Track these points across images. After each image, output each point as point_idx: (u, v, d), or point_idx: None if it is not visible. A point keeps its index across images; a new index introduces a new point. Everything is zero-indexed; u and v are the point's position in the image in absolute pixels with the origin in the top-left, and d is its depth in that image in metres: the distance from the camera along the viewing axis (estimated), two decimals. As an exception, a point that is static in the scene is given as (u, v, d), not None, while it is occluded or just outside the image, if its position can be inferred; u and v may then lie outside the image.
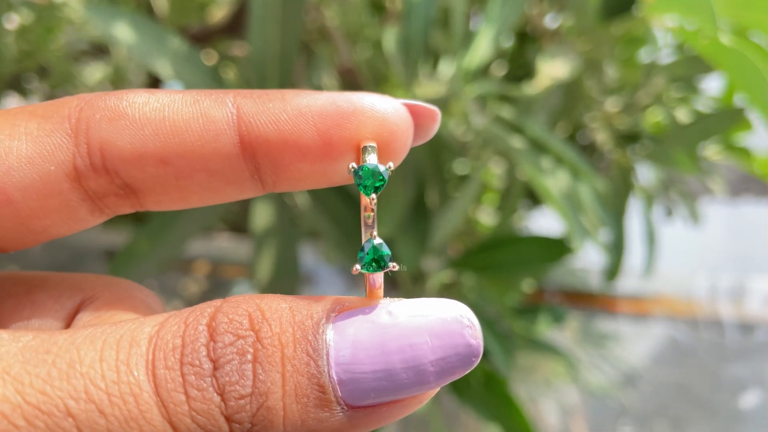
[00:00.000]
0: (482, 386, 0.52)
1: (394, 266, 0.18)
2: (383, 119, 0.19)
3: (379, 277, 0.18)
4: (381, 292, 0.18)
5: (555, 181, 0.43)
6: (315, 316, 0.16)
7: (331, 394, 0.15)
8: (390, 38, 0.48)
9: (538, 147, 0.46)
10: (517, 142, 0.45)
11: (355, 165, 0.18)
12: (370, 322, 0.16)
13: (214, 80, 0.45)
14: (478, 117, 0.40)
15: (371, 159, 0.18)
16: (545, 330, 0.65)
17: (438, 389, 0.17)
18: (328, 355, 0.16)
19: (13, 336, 0.15)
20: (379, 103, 0.19)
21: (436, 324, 0.16)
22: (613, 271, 0.62)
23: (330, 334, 0.16)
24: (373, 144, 0.19)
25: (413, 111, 0.20)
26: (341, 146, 0.19)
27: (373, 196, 0.18)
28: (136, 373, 0.15)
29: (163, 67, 0.42)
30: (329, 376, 0.15)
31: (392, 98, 0.19)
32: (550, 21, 0.76)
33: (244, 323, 0.16)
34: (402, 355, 0.16)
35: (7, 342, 0.15)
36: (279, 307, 0.16)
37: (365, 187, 0.18)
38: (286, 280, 0.51)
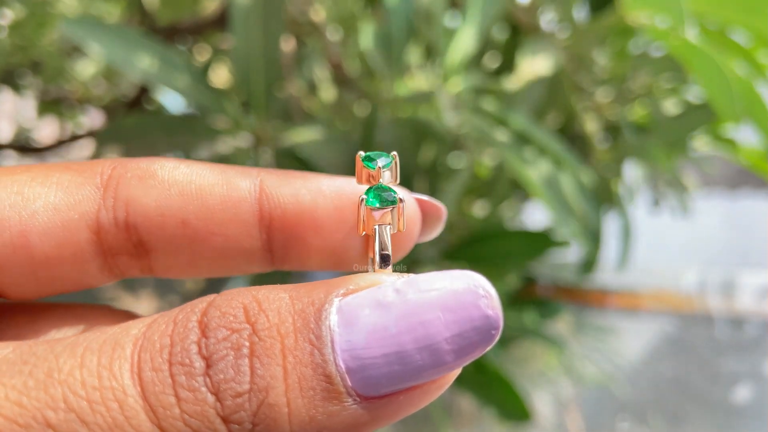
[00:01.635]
0: (474, 372, 0.52)
1: (402, 199, 0.17)
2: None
3: (386, 241, 0.17)
4: (389, 266, 0.17)
5: (537, 171, 0.44)
6: (317, 303, 0.15)
7: (340, 384, 0.14)
8: (367, 36, 0.48)
9: (522, 139, 0.46)
10: (500, 135, 0.45)
11: (362, 152, 0.19)
12: (376, 303, 0.15)
13: (201, 83, 0.45)
14: (451, 114, 0.40)
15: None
16: (536, 323, 0.65)
17: (459, 370, 0.16)
18: (332, 341, 0.14)
19: None
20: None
21: (447, 297, 0.15)
22: (589, 264, 0.62)
23: (334, 319, 0.15)
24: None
25: (422, 205, 0.20)
26: (354, 225, 0.19)
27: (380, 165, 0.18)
28: (119, 377, 0.14)
29: (142, 77, 0.42)
30: (336, 364, 0.14)
31: (406, 190, 0.20)
32: (527, 15, 0.76)
33: (238, 316, 0.15)
34: (413, 334, 0.15)
35: None
36: (277, 297, 0.15)
37: (371, 163, 0.18)
38: (278, 271, 0.51)
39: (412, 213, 0.20)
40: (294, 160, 0.49)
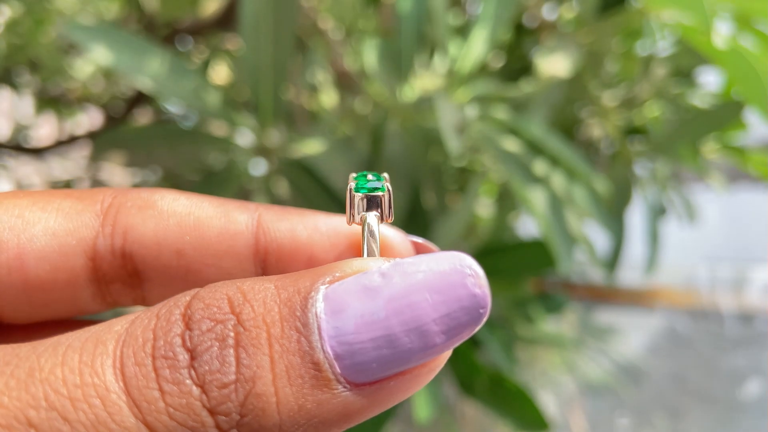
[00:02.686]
0: (489, 385, 0.52)
1: (389, 188, 0.17)
2: (391, 245, 0.20)
3: (374, 231, 0.17)
4: (376, 251, 0.17)
5: (544, 189, 0.43)
6: (303, 291, 0.15)
7: (329, 371, 0.14)
8: (371, 54, 0.47)
9: (534, 149, 0.45)
10: (511, 145, 0.44)
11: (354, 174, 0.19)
12: (362, 288, 0.15)
13: (204, 90, 0.44)
14: (455, 141, 0.39)
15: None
16: (543, 319, 0.65)
17: (449, 353, 0.16)
18: (319, 328, 0.14)
19: None
20: (390, 232, 0.20)
21: (434, 278, 0.15)
22: (611, 265, 0.62)
23: (320, 306, 0.15)
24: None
25: (417, 247, 0.20)
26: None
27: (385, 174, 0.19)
28: (101, 373, 0.14)
29: (147, 84, 0.41)
30: (323, 350, 0.14)
31: (401, 233, 0.20)
32: (549, 12, 0.75)
33: (223, 307, 0.14)
34: (401, 316, 0.15)
35: None
36: (263, 287, 0.15)
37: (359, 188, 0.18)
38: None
39: (405, 251, 0.20)
40: (300, 170, 0.48)
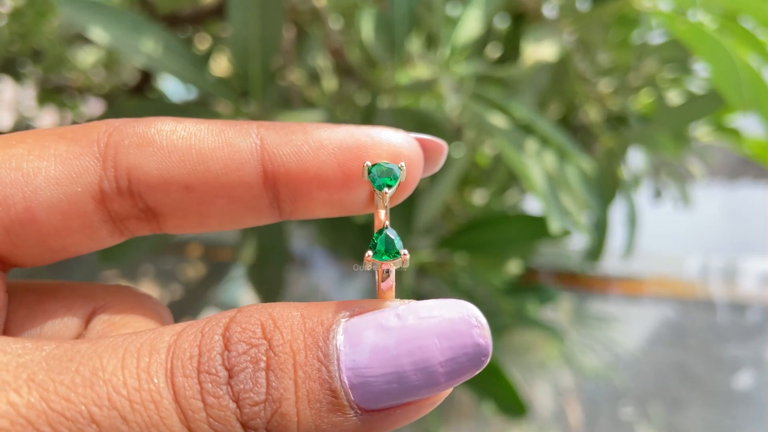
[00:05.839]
0: None
1: (405, 254, 0.18)
2: (398, 152, 0.20)
3: (390, 279, 0.18)
4: (392, 293, 0.18)
5: (539, 163, 0.43)
6: (325, 323, 0.16)
7: (344, 398, 0.16)
8: (368, 23, 0.47)
9: (524, 128, 0.46)
10: (501, 123, 0.45)
11: (369, 162, 0.19)
12: (379, 326, 0.16)
13: (201, 69, 0.45)
14: (454, 98, 0.40)
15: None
16: (535, 310, 0.65)
17: (450, 390, 0.17)
18: (338, 360, 0.16)
19: (36, 345, 0.16)
20: (395, 138, 0.20)
21: (444, 325, 0.16)
22: (595, 252, 0.62)
23: (340, 339, 0.16)
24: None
25: (423, 145, 0.21)
26: (359, 177, 0.20)
27: (386, 190, 0.19)
28: (156, 381, 0.15)
29: (145, 61, 0.42)
30: (341, 380, 0.16)
31: (405, 133, 0.21)
32: (534, 2, 0.75)
33: (256, 332, 0.16)
34: (411, 357, 0.16)
35: (31, 351, 0.15)
36: (290, 315, 0.17)
37: (378, 185, 0.19)
38: (275, 261, 0.51)
39: (415, 154, 0.20)
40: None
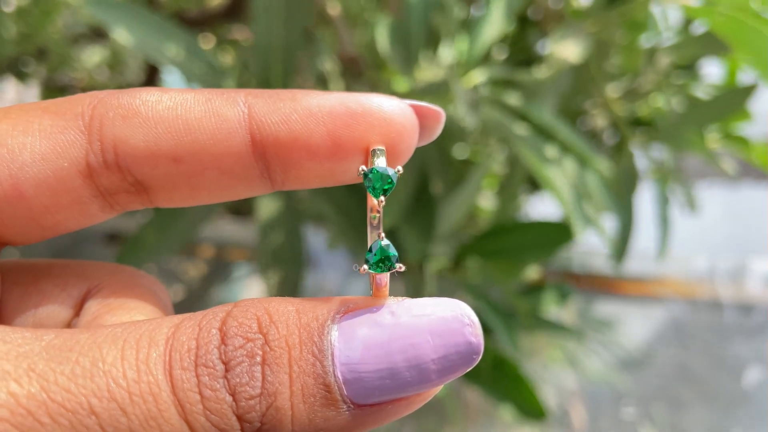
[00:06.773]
0: (492, 368, 0.53)
1: (400, 267, 0.18)
2: (391, 120, 0.19)
3: (384, 277, 0.18)
4: (386, 291, 0.18)
5: (560, 170, 0.43)
6: (320, 318, 0.17)
7: (337, 393, 0.16)
8: (383, 30, 0.47)
9: (544, 134, 0.46)
10: (520, 129, 0.45)
11: (365, 168, 0.18)
12: (373, 323, 0.17)
13: (214, 67, 0.44)
14: (465, 107, 0.40)
15: (380, 162, 0.19)
16: (551, 308, 0.65)
17: (441, 387, 0.17)
18: (333, 355, 0.16)
19: (35, 334, 0.16)
20: (387, 105, 0.19)
21: (437, 323, 0.17)
22: (619, 253, 0.62)
23: (335, 335, 0.16)
24: (382, 147, 0.19)
25: (419, 112, 0.20)
26: (350, 146, 0.19)
27: (382, 198, 0.18)
28: (155, 373, 0.15)
29: (164, 59, 0.42)
30: (334, 375, 0.16)
31: (399, 100, 0.20)
32: (555, 2, 0.76)
33: (252, 326, 0.16)
34: (404, 354, 0.16)
35: (30, 340, 0.15)
36: (286, 309, 0.17)
37: (374, 189, 0.18)
38: (293, 267, 0.51)
39: (410, 122, 0.20)
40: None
